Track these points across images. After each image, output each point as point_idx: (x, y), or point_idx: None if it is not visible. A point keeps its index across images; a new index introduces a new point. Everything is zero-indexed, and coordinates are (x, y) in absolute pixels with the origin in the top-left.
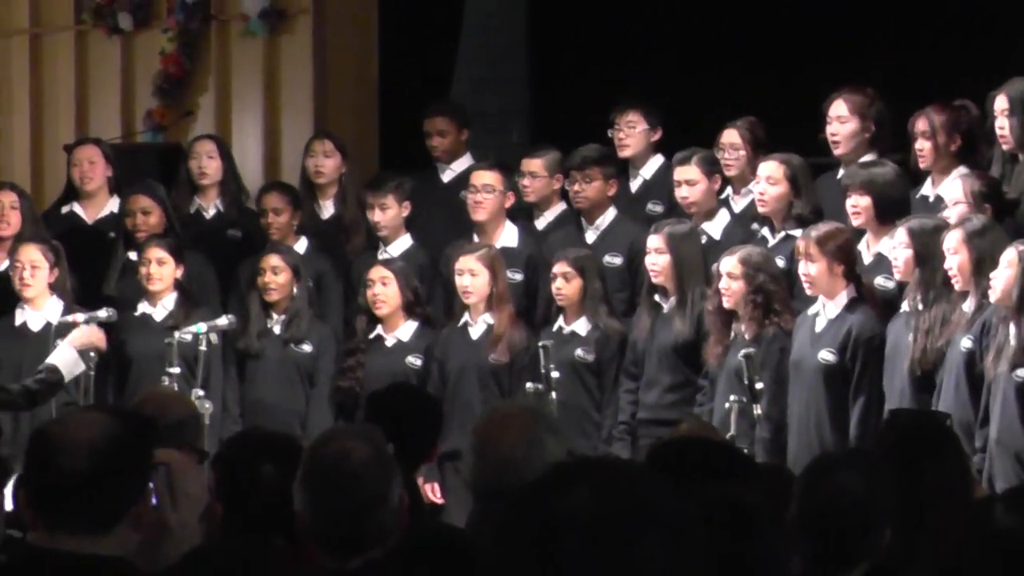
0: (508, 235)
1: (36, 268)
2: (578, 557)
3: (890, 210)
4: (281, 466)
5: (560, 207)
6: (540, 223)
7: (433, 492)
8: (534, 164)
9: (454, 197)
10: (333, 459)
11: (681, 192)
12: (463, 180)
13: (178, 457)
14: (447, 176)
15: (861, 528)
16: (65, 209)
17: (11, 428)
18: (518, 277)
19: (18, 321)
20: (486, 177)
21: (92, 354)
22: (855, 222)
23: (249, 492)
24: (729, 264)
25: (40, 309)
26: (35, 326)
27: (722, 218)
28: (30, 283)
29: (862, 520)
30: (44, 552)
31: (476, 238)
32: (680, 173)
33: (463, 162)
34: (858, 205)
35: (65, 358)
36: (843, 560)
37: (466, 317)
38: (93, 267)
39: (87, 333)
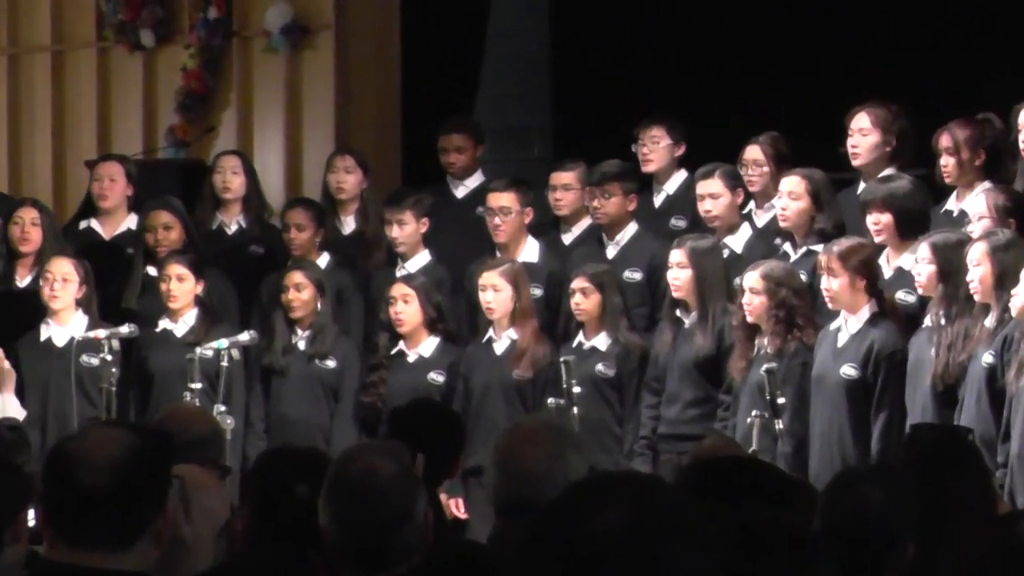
0: (529, 250)
1: (67, 281)
2: (608, 574)
3: (911, 224)
4: (315, 484)
5: (588, 221)
6: (567, 237)
7: (457, 508)
8: (565, 177)
9: (469, 213)
10: (359, 475)
11: (704, 206)
12: (477, 196)
13: (195, 472)
14: (460, 192)
15: (884, 543)
16: (83, 225)
17: (39, 445)
18: (538, 292)
19: (43, 336)
20: (502, 199)
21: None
22: (877, 239)
23: (283, 510)
24: (751, 279)
25: (65, 324)
26: (60, 341)
27: (744, 232)
28: (59, 295)
29: (885, 535)
30: (65, 568)
31: (499, 254)
32: (703, 187)
33: (476, 178)
34: (880, 222)
35: (15, 407)
36: (866, 575)
37: (490, 333)
38: (110, 283)
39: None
